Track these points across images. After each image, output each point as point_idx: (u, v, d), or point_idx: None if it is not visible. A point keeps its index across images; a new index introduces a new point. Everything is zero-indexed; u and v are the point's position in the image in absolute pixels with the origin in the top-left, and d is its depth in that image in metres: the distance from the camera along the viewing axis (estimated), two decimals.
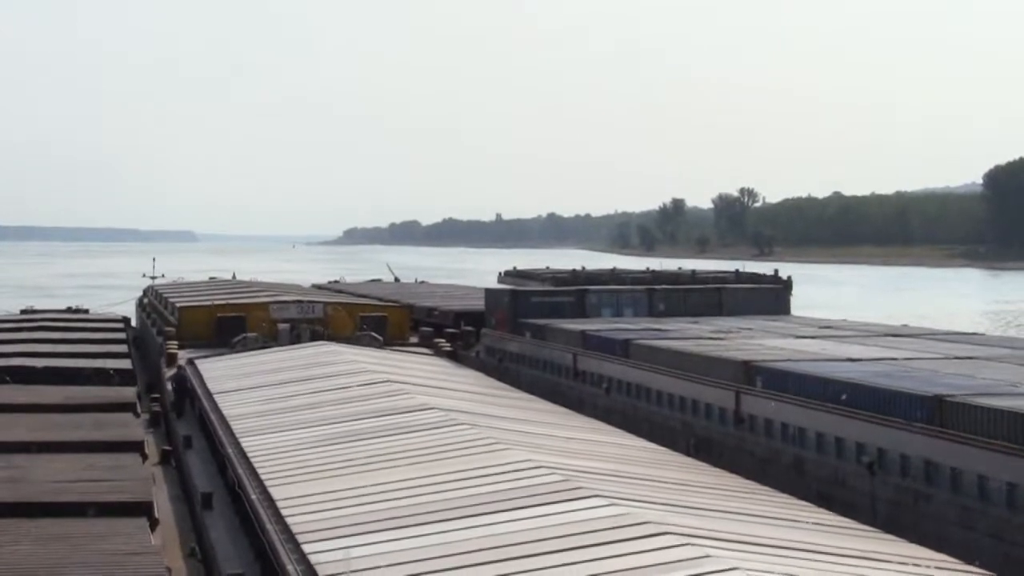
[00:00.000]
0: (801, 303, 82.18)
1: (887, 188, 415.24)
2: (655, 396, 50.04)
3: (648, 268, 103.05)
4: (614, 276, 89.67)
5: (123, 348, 64.18)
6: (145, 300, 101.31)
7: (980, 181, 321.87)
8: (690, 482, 27.51)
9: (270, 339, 65.72)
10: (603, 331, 60.37)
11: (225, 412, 39.50)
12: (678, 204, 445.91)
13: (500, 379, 55.77)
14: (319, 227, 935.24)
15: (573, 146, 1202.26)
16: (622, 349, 55.49)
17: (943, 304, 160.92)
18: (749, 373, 44.78)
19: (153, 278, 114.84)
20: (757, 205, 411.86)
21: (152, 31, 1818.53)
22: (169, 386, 53.74)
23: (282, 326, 67.68)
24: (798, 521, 23.85)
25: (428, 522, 22.33)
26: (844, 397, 38.70)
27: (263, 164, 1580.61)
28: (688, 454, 38.00)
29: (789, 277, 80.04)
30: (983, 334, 66.89)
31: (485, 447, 29.15)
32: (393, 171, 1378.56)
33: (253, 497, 26.59)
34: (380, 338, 66.92)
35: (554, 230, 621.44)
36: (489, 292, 78.04)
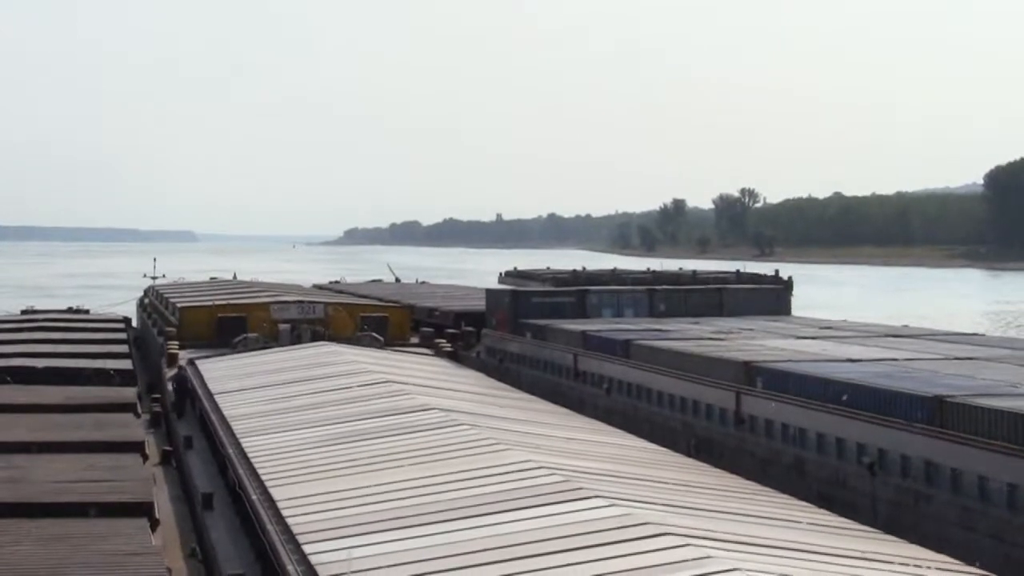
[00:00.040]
0: (802, 303, 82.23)
1: (888, 188, 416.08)
2: (656, 397, 50.05)
3: (649, 268, 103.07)
4: (615, 276, 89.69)
5: (124, 348, 64.22)
6: (146, 300, 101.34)
7: (981, 181, 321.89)
8: (691, 483, 27.52)
9: (271, 339, 65.74)
10: (604, 331, 60.38)
11: (226, 412, 39.50)
12: (679, 204, 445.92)
13: (501, 379, 55.77)
14: (319, 227, 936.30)
15: (573, 146, 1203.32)
16: (623, 349, 55.49)
17: (943, 305, 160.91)
18: (750, 374, 44.78)
19: (154, 278, 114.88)
20: (758, 205, 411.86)
21: (152, 31, 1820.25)
22: (170, 386, 53.76)
23: (283, 326, 67.70)
24: (798, 522, 23.85)
25: (429, 523, 22.34)
26: (845, 398, 38.70)
27: (263, 164, 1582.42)
28: (689, 455, 38.00)
29: (790, 278, 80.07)
30: (983, 335, 66.89)
31: (486, 448, 29.16)
32: (393, 171, 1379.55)
33: (254, 497, 26.60)
34: (381, 338, 66.93)
35: (554, 230, 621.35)
36: (490, 292, 78.06)
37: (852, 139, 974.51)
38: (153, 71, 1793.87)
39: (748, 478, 31.29)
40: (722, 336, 56.85)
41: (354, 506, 24.31)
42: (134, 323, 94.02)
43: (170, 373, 56.92)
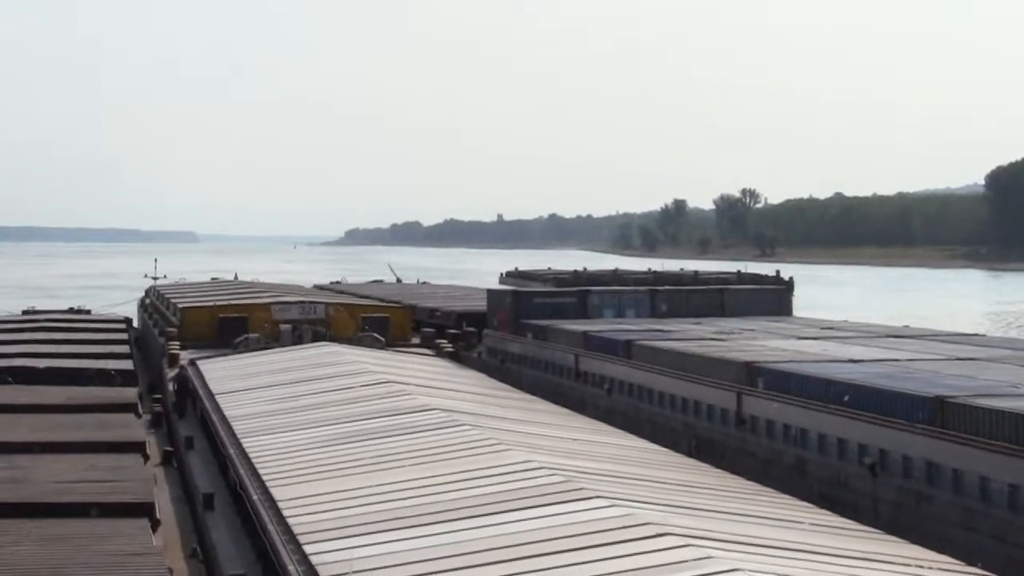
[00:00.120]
0: (803, 304, 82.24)
1: (889, 189, 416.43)
2: (657, 397, 50.05)
3: (650, 269, 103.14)
4: (616, 277, 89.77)
5: (125, 349, 64.22)
6: (147, 301, 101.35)
7: (982, 182, 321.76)
8: (692, 483, 27.52)
9: (272, 340, 65.75)
10: (605, 332, 60.37)
11: (227, 413, 39.51)
12: (680, 205, 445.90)
13: (502, 380, 55.77)
14: (320, 227, 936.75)
15: (574, 146, 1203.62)
16: (624, 350, 55.48)
17: (944, 305, 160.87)
18: (751, 374, 44.77)
19: (155, 279, 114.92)
20: (759, 206, 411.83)
21: (152, 31, 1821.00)
22: (171, 387, 53.78)
23: (284, 327, 67.71)
24: (800, 522, 23.85)
25: (430, 523, 22.34)
26: (846, 398, 38.69)
27: (264, 164, 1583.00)
28: (690, 455, 38.00)
29: (791, 278, 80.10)
30: (984, 335, 66.87)
31: (487, 448, 29.17)
32: (394, 171, 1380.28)
33: (255, 498, 26.60)
34: (382, 339, 66.94)
35: (555, 231, 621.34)
36: (491, 293, 78.05)
37: (853, 139, 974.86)
38: (153, 71, 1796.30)
39: (749, 479, 31.30)
40: (723, 336, 56.84)
41: (355, 506, 24.32)
42: (135, 323, 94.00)
43: (171, 373, 56.93)
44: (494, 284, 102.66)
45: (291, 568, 20.78)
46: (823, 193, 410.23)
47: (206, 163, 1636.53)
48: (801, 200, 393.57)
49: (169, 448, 41.78)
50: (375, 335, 67.20)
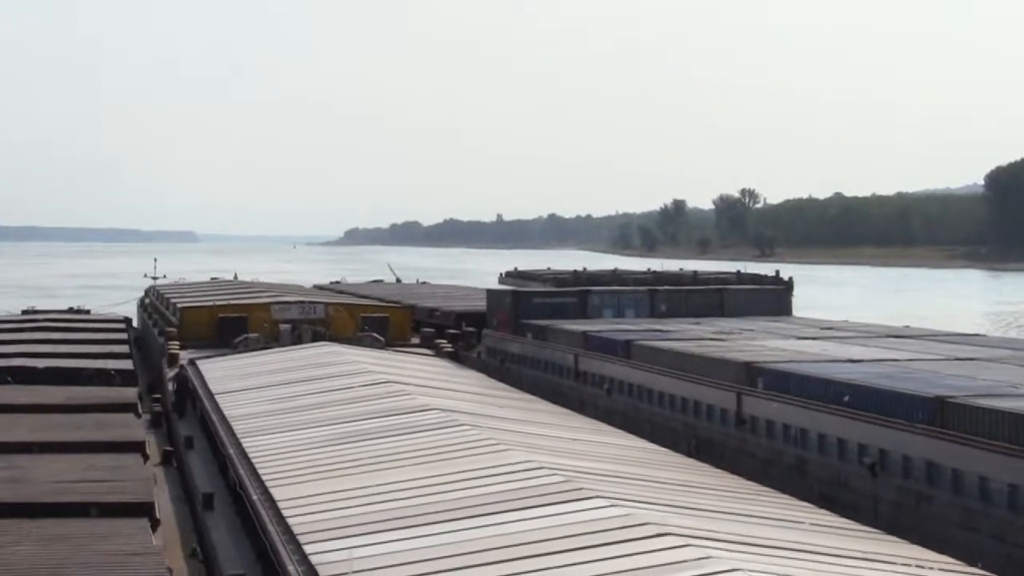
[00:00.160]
0: (802, 304, 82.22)
1: (888, 189, 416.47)
2: (656, 397, 50.04)
3: (649, 269, 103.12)
4: (615, 277, 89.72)
5: (124, 348, 64.20)
6: (147, 300, 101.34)
7: (981, 182, 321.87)
8: (691, 483, 27.51)
9: (272, 340, 65.73)
10: (604, 332, 60.37)
11: (226, 412, 39.50)
12: (679, 205, 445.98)
13: (501, 380, 55.76)
14: (320, 227, 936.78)
15: (574, 146, 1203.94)
16: (623, 350, 55.48)
17: (944, 305, 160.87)
18: (751, 374, 44.77)
19: (155, 278, 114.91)
20: (758, 206, 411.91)
21: (152, 31, 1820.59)
22: (170, 386, 53.76)
23: (284, 327, 67.68)
24: (799, 522, 23.84)
25: (429, 523, 22.33)
26: (846, 398, 38.69)
27: (264, 164, 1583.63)
28: (689, 455, 37.99)
29: (790, 278, 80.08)
30: (984, 335, 66.86)
31: (486, 448, 29.15)
32: (393, 171, 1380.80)
33: (254, 497, 26.59)
34: (382, 339, 66.91)
35: (555, 231, 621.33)
36: (490, 293, 78.05)
37: (852, 139, 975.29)
38: (153, 71, 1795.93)
39: (749, 479, 31.28)
40: (723, 336, 56.84)
41: (355, 506, 24.30)
42: (135, 323, 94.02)
43: (171, 373, 56.91)
44: (493, 284, 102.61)
45: (291, 568, 20.77)
46: (822, 193, 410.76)
47: (206, 163, 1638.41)
48: (800, 200, 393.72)
49: (169, 448, 41.76)
50: (375, 335, 67.18)
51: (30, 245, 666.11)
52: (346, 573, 19.57)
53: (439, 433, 31.86)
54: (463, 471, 26.55)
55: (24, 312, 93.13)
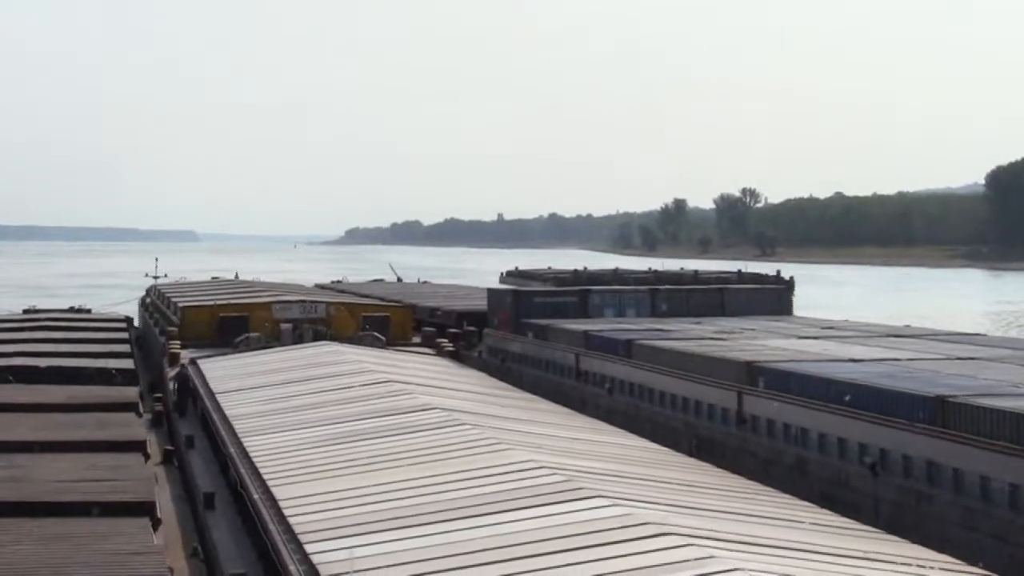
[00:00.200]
0: (803, 303, 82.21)
1: (889, 188, 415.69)
2: (657, 396, 50.04)
3: (650, 268, 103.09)
4: (616, 276, 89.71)
5: (126, 348, 64.20)
6: (148, 300, 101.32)
7: (982, 181, 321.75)
8: (692, 483, 27.52)
9: (273, 339, 65.73)
10: (605, 331, 60.37)
11: (227, 412, 39.50)
12: (680, 204, 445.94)
13: (503, 379, 55.77)
14: (321, 227, 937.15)
15: (574, 146, 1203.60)
16: (624, 349, 55.48)
17: (945, 305, 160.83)
18: (751, 373, 44.77)
19: (156, 278, 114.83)
20: (759, 205, 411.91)
21: (152, 31, 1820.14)
22: (171, 386, 53.77)
23: (285, 326, 67.68)
24: (800, 522, 23.85)
25: (431, 522, 22.34)
26: (847, 398, 38.69)
27: (264, 164, 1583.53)
28: (690, 455, 37.99)
29: (791, 278, 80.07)
30: (985, 335, 66.85)
31: (487, 447, 29.16)
32: (394, 171, 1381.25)
33: (255, 497, 26.60)
34: (383, 338, 66.93)
35: (556, 230, 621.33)
36: (491, 292, 78.06)
37: (853, 139, 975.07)
38: (153, 71, 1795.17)
39: (750, 478, 31.30)
40: (724, 336, 56.84)
41: (356, 506, 24.32)
42: (136, 323, 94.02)
43: (172, 372, 56.92)
44: (494, 283, 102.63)
45: (292, 567, 20.77)
46: (823, 193, 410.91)
47: (206, 163, 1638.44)
48: (801, 200, 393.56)
49: (170, 447, 41.74)
50: (376, 334, 67.19)
51: (30, 244, 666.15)
52: (347, 572, 19.58)
53: (440, 432, 31.87)
54: (464, 470, 26.56)
55: (25, 311, 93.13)
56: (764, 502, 26.21)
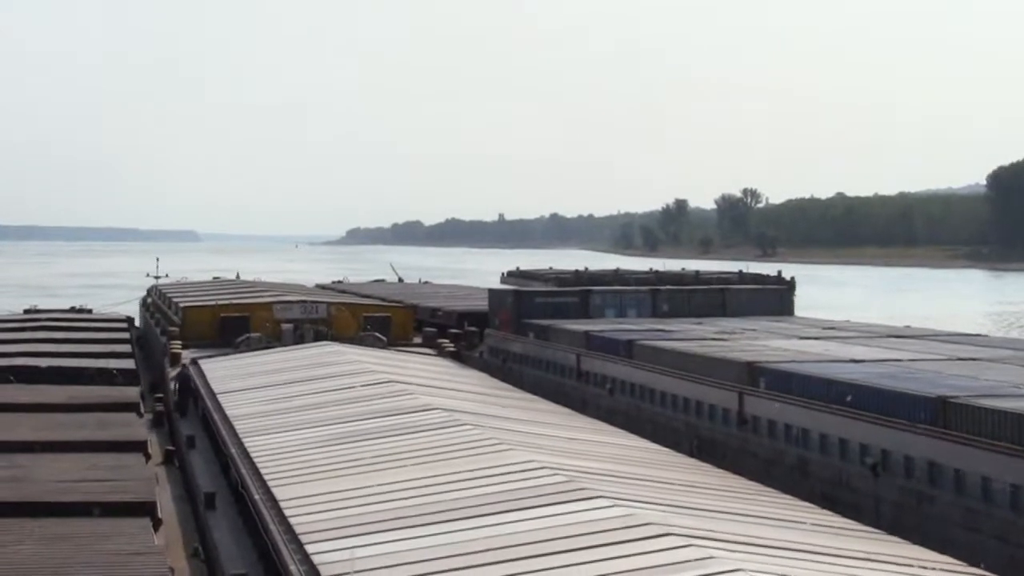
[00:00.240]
0: (804, 304, 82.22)
1: (890, 189, 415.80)
2: (659, 397, 50.03)
3: (651, 269, 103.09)
4: (617, 277, 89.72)
5: (127, 348, 64.22)
6: (149, 300, 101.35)
7: (983, 182, 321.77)
8: (693, 483, 27.51)
9: (274, 339, 65.71)
10: (607, 332, 60.37)
11: (228, 412, 39.50)
12: (681, 205, 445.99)
13: (504, 380, 55.77)
14: (321, 227, 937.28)
15: (575, 146, 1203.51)
16: (626, 350, 55.47)
17: (946, 305, 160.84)
18: (753, 374, 44.76)
19: (157, 278, 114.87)
20: (760, 206, 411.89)
21: (152, 31, 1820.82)
22: (172, 386, 53.76)
23: (286, 326, 67.67)
24: (801, 523, 23.84)
25: (432, 523, 22.34)
26: (848, 398, 38.68)
27: (264, 163, 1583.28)
28: (691, 455, 37.99)
29: (792, 278, 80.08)
30: (986, 335, 66.86)
31: (489, 448, 29.15)
32: (395, 171, 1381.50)
33: (256, 497, 26.59)
34: (384, 338, 66.91)
35: (557, 231, 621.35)
36: (493, 292, 78.06)
37: (854, 139, 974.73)
38: (153, 71, 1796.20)
39: (751, 479, 31.29)
40: (725, 336, 56.84)
41: (357, 506, 24.31)
42: (137, 323, 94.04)
43: (173, 373, 56.92)
44: (495, 284, 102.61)
45: (293, 568, 20.77)
46: (825, 193, 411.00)
47: (206, 162, 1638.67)
48: (802, 200, 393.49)
49: (171, 447, 41.74)
50: (377, 335, 67.18)
51: (31, 244, 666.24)
52: (348, 573, 19.57)
53: (441, 433, 31.87)
54: (465, 471, 26.55)
55: (26, 311, 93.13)
56: (765, 503, 26.20)
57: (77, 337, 67.30)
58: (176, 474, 38.32)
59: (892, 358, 46.52)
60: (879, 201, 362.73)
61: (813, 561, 19.71)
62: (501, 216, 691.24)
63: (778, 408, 41.53)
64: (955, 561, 21.57)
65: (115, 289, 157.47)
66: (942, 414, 34.88)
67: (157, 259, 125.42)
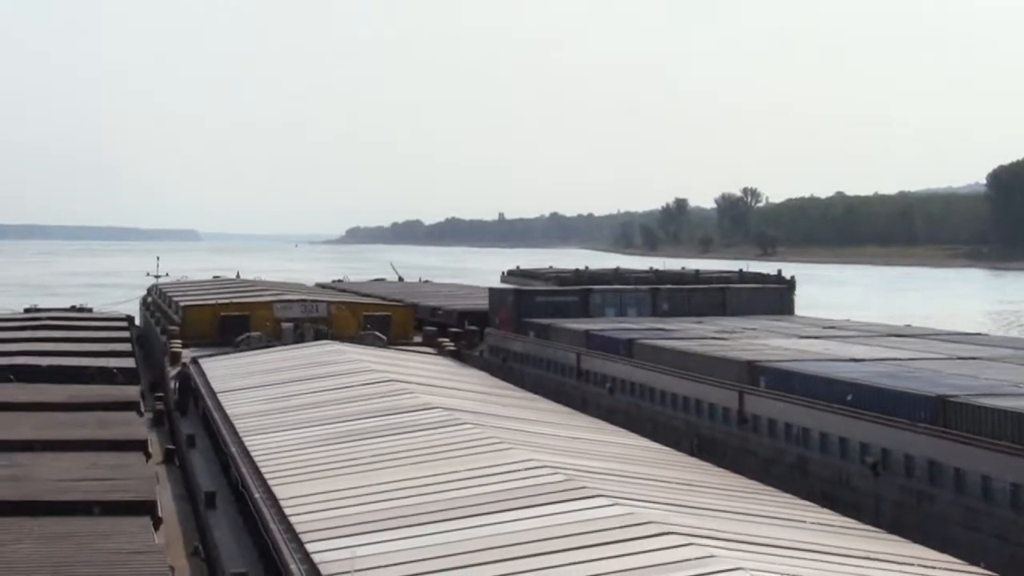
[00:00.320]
0: (804, 303, 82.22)
1: (890, 188, 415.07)
2: (659, 396, 50.04)
3: (651, 268, 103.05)
4: (618, 276, 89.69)
5: (127, 347, 64.20)
6: (149, 299, 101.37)
7: (983, 181, 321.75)
8: (694, 482, 27.51)
9: (274, 338, 65.70)
10: (607, 331, 60.37)
11: (229, 411, 39.50)
12: (681, 204, 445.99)
13: (504, 379, 55.77)
14: (322, 226, 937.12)
15: (575, 145, 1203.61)
16: (626, 349, 55.47)
17: (946, 304, 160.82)
18: (753, 373, 44.76)
19: (157, 277, 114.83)
20: (760, 205, 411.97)
21: (152, 31, 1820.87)
22: (173, 385, 53.77)
23: (286, 325, 67.66)
24: (802, 521, 23.84)
25: (432, 521, 22.33)
26: (849, 397, 38.68)
27: (265, 163, 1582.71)
28: (692, 454, 37.99)
29: (792, 277, 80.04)
30: (986, 334, 66.88)
31: (489, 447, 29.15)
32: (395, 170, 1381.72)
33: (256, 496, 26.59)
34: (384, 337, 66.91)
35: (557, 230, 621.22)
36: (493, 291, 78.07)
37: (854, 138, 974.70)
38: (153, 71, 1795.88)
39: (751, 478, 31.28)
40: (725, 335, 56.83)
41: (357, 505, 24.31)
42: (137, 322, 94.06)
43: (173, 371, 56.93)
44: (496, 283, 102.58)
45: (293, 567, 20.77)
46: (825, 192, 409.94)
47: (207, 162, 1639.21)
48: (803, 199, 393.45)
49: (171, 446, 41.76)
50: (377, 334, 67.17)
51: (31, 244, 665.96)
52: (348, 572, 19.57)
53: (441, 432, 31.86)
54: (465, 470, 26.55)
55: (26, 310, 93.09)
56: (765, 502, 26.20)
57: (77, 336, 67.28)
58: (176, 473, 38.33)
59: (892, 357, 46.53)
60: (879, 200, 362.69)
61: (814, 560, 19.71)
62: (501, 215, 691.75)
63: (778, 407, 41.54)
64: (955, 560, 21.57)
65: (115, 288, 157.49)
66: (942, 413, 34.88)
67: (157, 258, 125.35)
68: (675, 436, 45.17)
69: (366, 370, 46.26)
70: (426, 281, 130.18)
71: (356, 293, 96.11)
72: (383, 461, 28.78)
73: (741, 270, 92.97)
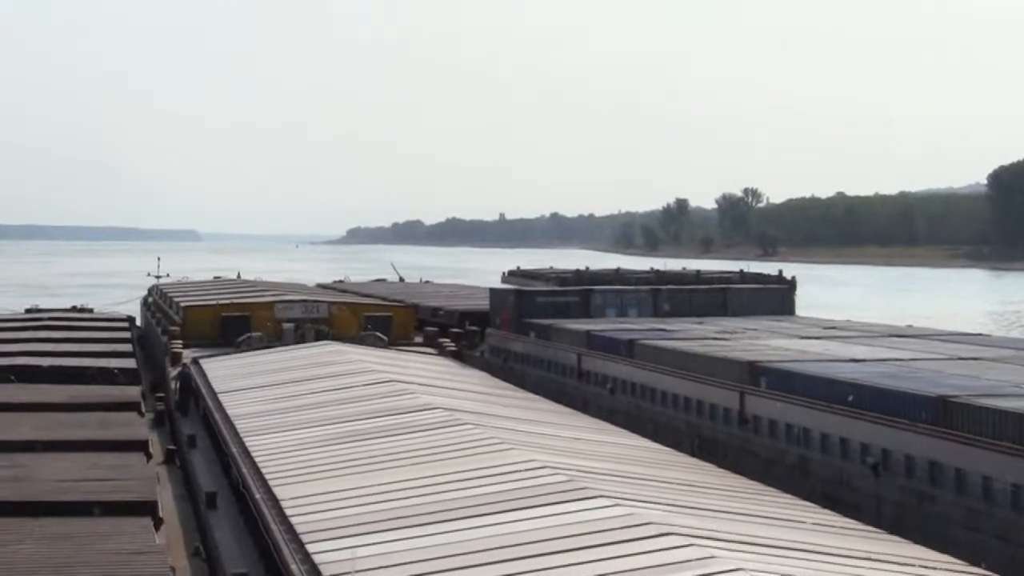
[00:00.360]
0: (805, 303, 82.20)
1: (891, 188, 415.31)
2: (659, 396, 50.04)
3: (652, 268, 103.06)
4: (618, 276, 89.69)
5: (128, 347, 64.21)
6: (150, 299, 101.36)
7: (984, 181, 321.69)
8: (694, 483, 27.50)
9: (275, 339, 65.68)
10: (608, 331, 60.37)
11: (229, 411, 39.50)
12: (682, 204, 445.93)
13: (505, 379, 55.75)
14: (322, 226, 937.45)
15: (576, 145, 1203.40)
16: (627, 349, 55.47)
17: (947, 305, 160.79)
18: (754, 373, 44.76)
19: (158, 277, 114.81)
20: (761, 205, 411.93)
21: (153, 31, 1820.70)
22: (174, 385, 53.77)
23: (287, 326, 67.64)
24: (802, 522, 23.83)
25: (433, 522, 22.33)
26: (850, 398, 38.68)
27: (265, 163, 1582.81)
28: (692, 455, 37.97)
29: (793, 277, 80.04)
30: (988, 335, 66.85)
31: (489, 447, 29.15)
32: (396, 170, 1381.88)
33: (257, 496, 26.59)
34: (385, 338, 66.89)
35: (558, 230, 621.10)
36: (494, 292, 78.08)
37: (855, 138, 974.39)
38: (153, 71, 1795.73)
39: (752, 478, 31.27)
40: (726, 336, 56.83)
41: (358, 505, 24.31)
42: (138, 322, 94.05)
43: (174, 372, 56.91)
44: (496, 283, 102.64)
45: (294, 567, 20.77)
46: (825, 192, 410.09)
47: (207, 162, 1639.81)
48: (803, 199, 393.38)
49: (172, 447, 41.75)
50: (378, 334, 67.15)
51: (31, 244, 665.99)
52: (349, 572, 19.57)
53: (442, 432, 31.86)
54: (466, 470, 26.54)
55: (27, 311, 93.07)
56: (766, 502, 26.20)
57: (78, 336, 67.29)
58: (177, 473, 38.34)
59: (893, 357, 46.52)
60: (880, 200, 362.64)
61: (814, 560, 19.70)
62: (502, 215, 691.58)
63: (779, 408, 41.55)
64: (956, 561, 21.56)
65: (116, 288, 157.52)
66: (943, 414, 34.88)
67: (158, 258, 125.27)
68: (676, 437, 45.17)
69: (367, 370, 46.26)
70: (427, 281, 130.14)
71: (357, 293, 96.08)
72: (384, 461, 28.78)
73: (742, 270, 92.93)
